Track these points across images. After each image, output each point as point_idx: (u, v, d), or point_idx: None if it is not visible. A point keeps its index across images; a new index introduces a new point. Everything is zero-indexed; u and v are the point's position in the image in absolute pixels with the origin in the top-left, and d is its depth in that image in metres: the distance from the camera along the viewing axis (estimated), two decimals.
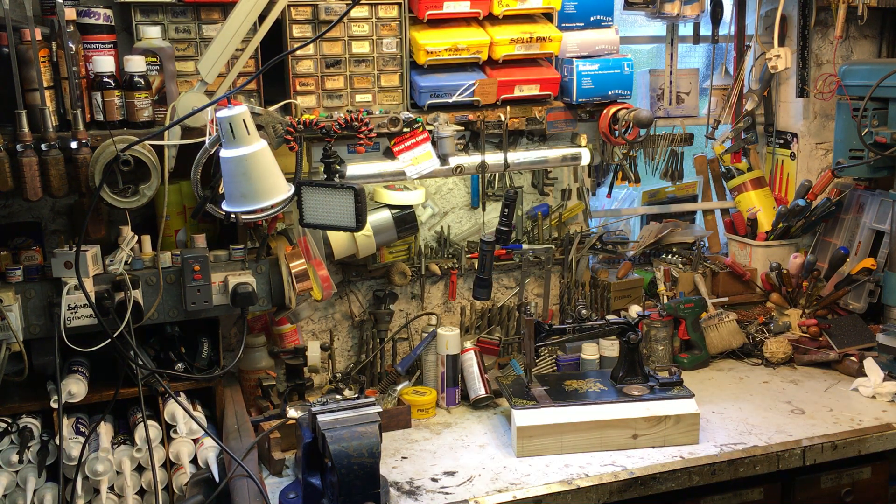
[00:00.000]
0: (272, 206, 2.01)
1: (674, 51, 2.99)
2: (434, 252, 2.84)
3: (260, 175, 1.86)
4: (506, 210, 2.39)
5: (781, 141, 3.32)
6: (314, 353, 2.57)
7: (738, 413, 2.57)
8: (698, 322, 2.96)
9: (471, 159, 2.46)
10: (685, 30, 3.06)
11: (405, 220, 2.58)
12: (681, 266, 3.18)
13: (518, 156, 2.51)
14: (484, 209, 2.84)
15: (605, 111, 2.48)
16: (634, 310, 2.98)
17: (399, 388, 2.61)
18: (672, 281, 3.13)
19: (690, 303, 2.94)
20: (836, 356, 2.88)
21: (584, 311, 2.47)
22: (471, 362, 2.68)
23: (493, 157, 2.47)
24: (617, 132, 2.47)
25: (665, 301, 3.00)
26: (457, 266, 2.83)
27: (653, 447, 2.36)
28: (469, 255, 2.84)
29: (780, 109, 3.32)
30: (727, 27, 3.11)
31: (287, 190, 1.96)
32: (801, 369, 2.92)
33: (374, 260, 2.74)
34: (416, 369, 2.75)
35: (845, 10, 2.90)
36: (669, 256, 3.23)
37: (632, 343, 2.48)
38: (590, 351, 2.79)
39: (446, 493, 2.14)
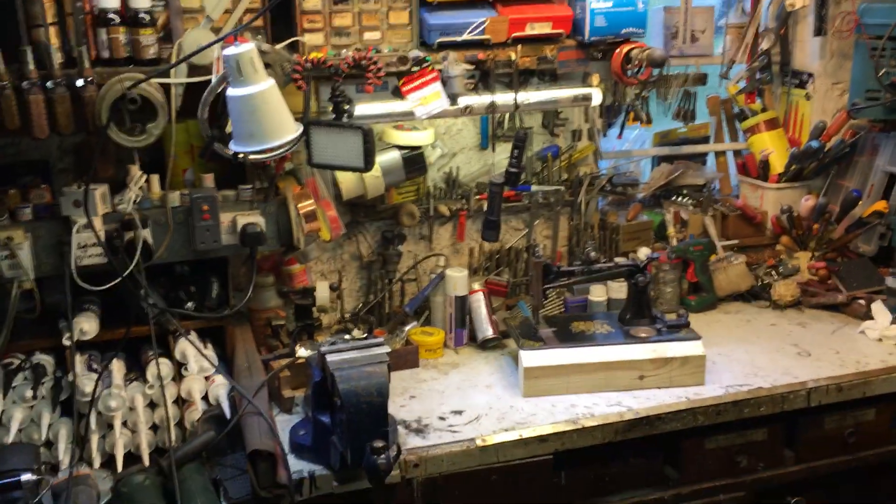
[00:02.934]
0: (280, 147, 1.99)
1: None
2: (443, 193, 2.83)
3: (268, 114, 1.85)
4: (516, 151, 2.37)
5: (797, 81, 3.26)
6: (323, 293, 2.58)
7: (744, 355, 2.58)
8: (707, 264, 2.95)
9: (480, 99, 2.42)
10: None
11: (414, 160, 2.56)
12: (691, 208, 3.16)
13: (528, 96, 2.48)
14: (494, 150, 2.81)
15: (618, 50, 2.43)
16: (644, 252, 2.97)
17: (407, 328, 2.62)
18: (682, 223, 3.11)
19: (699, 245, 2.93)
20: (844, 299, 2.88)
21: (592, 254, 2.46)
22: (479, 304, 2.69)
23: (503, 98, 2.43)
24: (630, 72, 2.42)
25: (674, 243, 2.99)
26: (466, 207, 2.82)
27: (659, 388, 2.38)
28: (478, 197, 2.82)
29: (797, 48, 3.24)
30: None
31: (295, 130, 1.94)
32: (809, 312, 2.92)
33: (383, 201, 2.72)
34: (425, 310, 2.76)
35: None
36: (680, 199, 3.21)
37: (640, 285, 2.48)
38: (598, 293, 2.79)
39: (454, 432, 2.17)
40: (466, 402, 2.33)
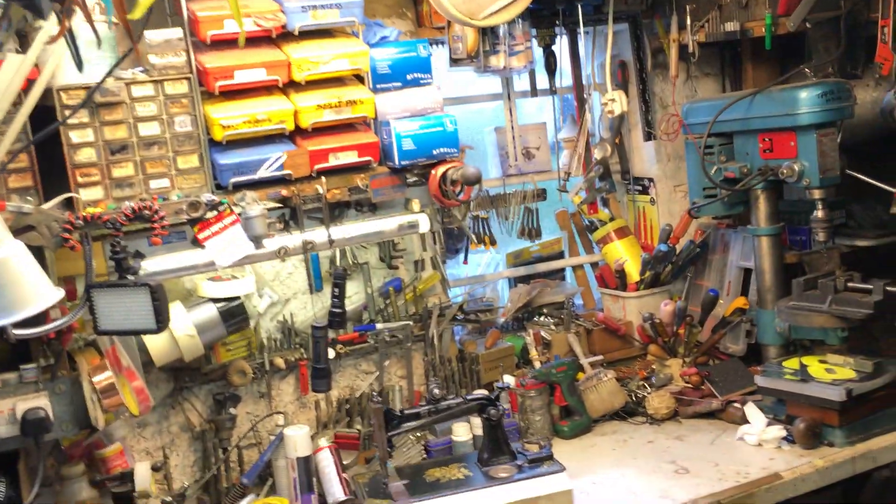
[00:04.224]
0: (48, 319, 1.74)
1: (512, 105, 2.87)
2: (279, 344, 2.59)
3: (10, 283, 1.60)
4: (336, 290, 2.18)
5: (640, 187, 3.23)
6: (142, 475, 2.24)
7: (620, 480, 2.36)
8: (574, 385, 2.76)
9: (294, 239, 2.24)
10: (523, 84, 2.96)
11: (233, 313, 2.33)
12: (553, 328, 3.00)
13: (348, 230, 2.31)
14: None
15: (433, 172, 2.31)
16: (508, 380, 2.77)
17: (244, 502, 2.31)
18: (544, 344, 2.94)
19: (563, 366, 2.75)
20: (719, 404, 2.72)
21: (436, 391, 2.24)
22: (326, 462, 2.40)
23: (321, 234, 2.25)
24: (448, 193, 2.29)
25: (537, 367, 2.80)
26: (306, 356, 2.57)
27: None
28: None
29: (634, 155, 3.24)
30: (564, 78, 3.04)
31: (55, 295, 1.69)
32: (687, 422, 2.74)
33: (209, 361, 2.46)
34: (269, 478, 2.46)
35: (677, 48, 2.85)
36: (542, 318, 3.06)
37: (493, 420, 2.26)
38: (461, 432, 2.54)
39: None
40: None
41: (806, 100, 2.44)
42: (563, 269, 3.32)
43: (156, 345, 2.25)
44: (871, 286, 2.41)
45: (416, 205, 2.34)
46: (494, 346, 2.89)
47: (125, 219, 1.91)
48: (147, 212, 1.92)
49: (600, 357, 2.94)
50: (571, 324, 3.00)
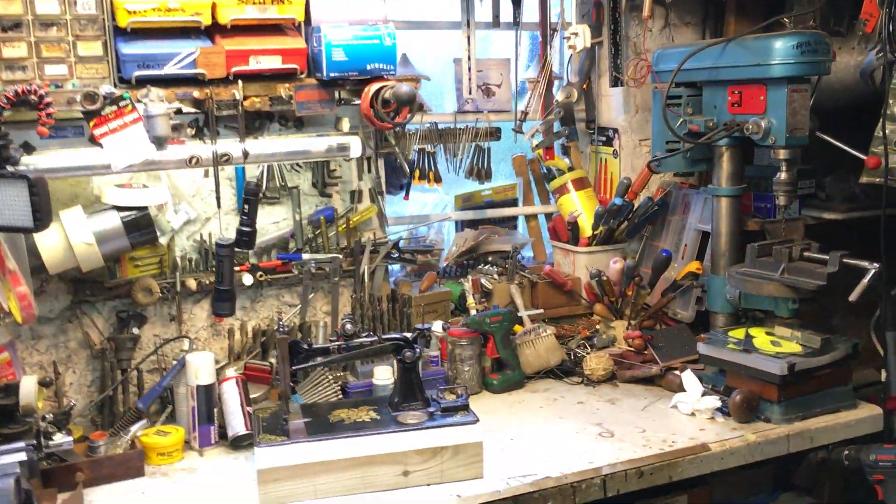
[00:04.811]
0: None
1: (470, 33, 2.67)
2: (195, 265, 2.41)
3: None
4: (246, 207, 2.00)
5: (604, 138, 3.05)
6: (28, 389, 2.08)
7: (541, 440, 2.22)
8: (509, 338, 2.61)
9: (208, 149, 2.05)
10: (486, 13, 2.75)
11: (138, 224, 2.15)
12: (496, 277, 2.84)
13: (268, 145, 2.12)
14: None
15: (366, 89, 2.12)
16: (439, 327, 2.62)
17: (134, 428, 2.15)
18: (483, 293, 2.78)
19: (498, 315, 2.59)
20: (658, 371, 2.58)
21: (349, 327, 2.08)
22: (231, 394, 2.25)
23: (237, 147, 2.07)
24: (381, 114, 2.10)
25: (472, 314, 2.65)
26: None
27: (428, 485, 1.98)
28: (238, 268, 2.42)
29: (602, 104, 3.04)
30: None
31: None
32: (623, 386, 2.60)
33: (113, 275, 2.29)
34: (170, 405, 2.31)
35: None
36: (486, 267, 2.89)
37: (407, 362, 2.10)
38: (382, 375, 2.39)
39: None
40: None
41: (780, 50, 2.25)
42: (515, 218, 3.15)
43: (48, 250, 2.07)
44: (826, 257, 2.24)
45: (345, 124, 2.16)
46: (430, 290, 2.73)
47: (6, 102, 1.72)
48: (32, 97, 1.73)
49: (540, 311, 2.78)
50: (516, 274, 2.84)
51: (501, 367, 2.62)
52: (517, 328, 2.70)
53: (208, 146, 2.04)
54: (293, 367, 2.05)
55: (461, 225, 3.03)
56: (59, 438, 1.99)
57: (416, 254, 2.72)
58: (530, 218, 3.12)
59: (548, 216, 3.10)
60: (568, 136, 2.94)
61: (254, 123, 2.10)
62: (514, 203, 3.10)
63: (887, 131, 2.38)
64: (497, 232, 2.99)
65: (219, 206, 2.11)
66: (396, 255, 2.65)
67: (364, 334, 2.11)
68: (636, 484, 2.06)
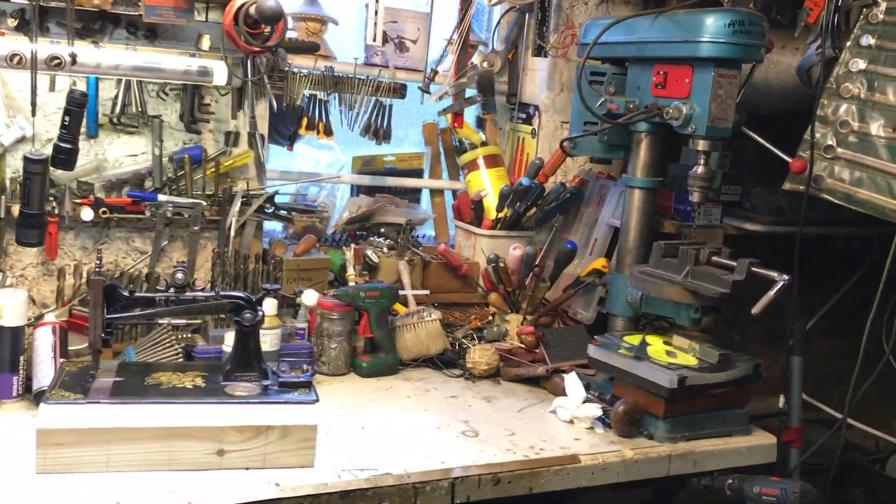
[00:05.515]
0: None
1: None
2: None
3: None
4: (67, 119, 1.69)
5: (524, 115, 2.80)
6: None
7: (395, 432, 1.95)
8: (386, 318, 2.34)
9: (33, 48, 1.73)
10: None
11: None
12: (385, 251, 2.57)
13: (107, 55, 1.81)
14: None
15: (230, 3, 1.82)
16: (309, 296, 2.34)
17: None
18: (368, 267, 2.51)
19: (375, 290, 2.31)
20: (544, 371, 2.33)
21: (179, 276, 1.78)
22: (43, 341, 1.94)
23: (67, 49, 1.75)
24: (245, 36, 1.81)
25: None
26: (59, 212, 2.08)
27: (247, 468, 1.69)
28: (80, 201, 2.11)
29: (526, 78, 2.79)
30: None
31: None
32: (506, 385, 2.35)
33: None
34: None
35: None
36: (377, 239, 2.62)
37: (245, 325, 1.82)
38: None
39: None
40: None
41: (710, 27, 2.01)
42: (419, 192, 2.88)
43: None
44: (734, 263, 2.02)
45: (205, 41, 1.86)
46: (307, 255, 2.45)
47: None
48: None
49: (426, 292, 2.52)
50: (407, 250, 2.57)
51: (374, 349, 2.35)
52: (399, 308, 2.44)
53: (37, 45, 1.73)
54: (108, 317, 1.75)
55: (356, 190, 2.75)
56: None
57: (294, 212, 2.43)
58: (436, 193, 2.85)
59: (455, 193, 2.84)
60: (485, 108, 2.68)
61: (93, 25, 1.79)
62: (419, 174, 2.83)
63: (818, 135, 2.17)
64: (395, 203, 2.72)
65: (33, 113, 1.79)
66: (271, 209, 2.36)
67: (199, 288, 1.82)
68: (491, 492, 1.81)
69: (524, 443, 1.96)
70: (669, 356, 2.10)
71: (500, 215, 2.62)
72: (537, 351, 2.44)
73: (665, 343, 2.19)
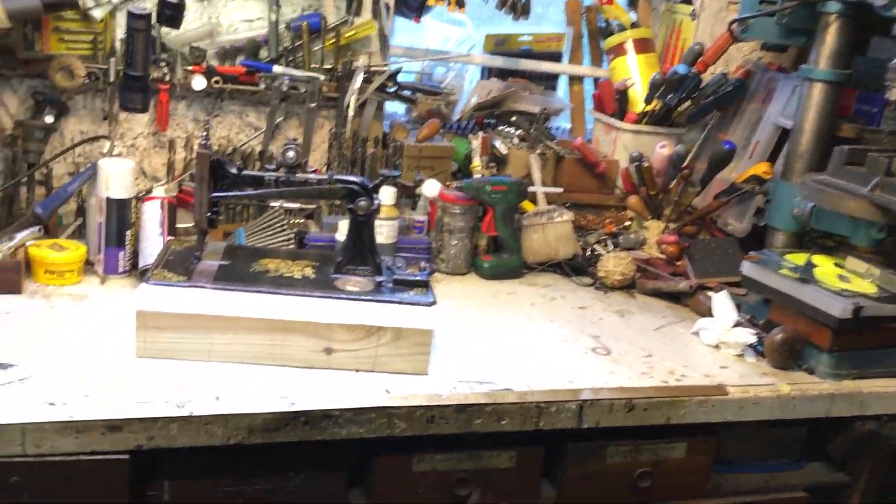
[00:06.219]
0: None
1: None
2: None
3: None
4: None
5: None
6: None
7: (516, 341, 1.76)
8: (512, 216, 2.12)
9: None
10: None
11: None
12: (515, 141, 2.32)
13: None
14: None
15: None
16: (430, 187, 2.13)
17: (20, 235, 1.75)
18: (496, 159, 2.28)
19: (502, 185, 2.09)
20: (687, 287, 2.07)
21: (290, 155, 1.60)
22: (151, 216, 1.83)
23: None
24: None
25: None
26: (170, 79, 1.94)
27: (356, 370, 1.54)
28: (191, 68, 1.95)
29: None
30: None
31: None
32: (642, 299, 2.11)
33: (31, 46, 1.84)
34: (82, 218, 1.90)
35: None
36: (506, 129, 2.37)
37: (360, 214, 1.64)
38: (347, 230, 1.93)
39: None
40: (41, 352, 1.46)
41: None
42: (556, 78, 2.59)
43: None
44: None
45: None
46: (429, 141, 2.23)
47: None
48: None
49: (560, 190, 2.27)
50: (540, 143, 2.32)
51: (498, 249, 2.14)
52: (527, 206, 2.21)
53: None
54: (214, 195, 1.60)
55: (487, 73, 2.49)
56: None
57: (419, 93, 2.21)
58: (575, 80, 2.56)
59: (596, 82, 2.53)
60: None
61: None
62: (557, 58, 2.54)
63: None
64: (529, 89, 2.45)
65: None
66: (394, 88, 2.15)
67: (311, 169, 1.64)
68: (623, 419, 1.60)
69: (662, 366, 1.73)
70: (842, 281, 1.80)
71: (648, 108, 2.31)
72: (679, 263, 2.18)
73: (836, 265, 1.88)
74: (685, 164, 2.18)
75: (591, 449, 1.65)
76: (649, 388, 1.64)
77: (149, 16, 1.57)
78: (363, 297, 1.58)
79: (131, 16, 1.57)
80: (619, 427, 1.61)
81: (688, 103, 2.32)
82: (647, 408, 1.61)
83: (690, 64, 2.23)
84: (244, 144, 2.06)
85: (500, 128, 2.39)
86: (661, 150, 2.21)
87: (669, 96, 2.26)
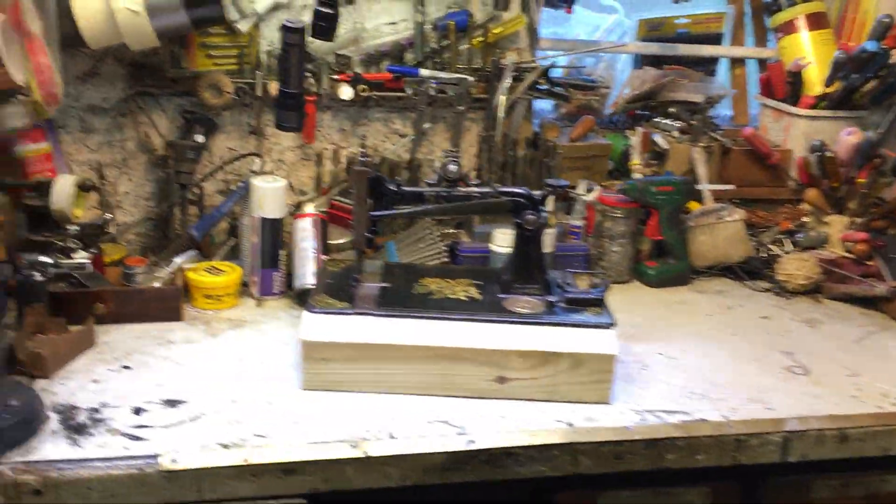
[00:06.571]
0: None
1: None
2: None
3: None
4: None
5: None
6: (62, 190, 1.67)
7: (700, 361, 1.60)
8: (678, 216, 1.95)
9: None
10: None
11: None
12: (676, 134, 2.14)
13: None
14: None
15: None
16: (585, 188, 1.99)
17: (179, 259, 1.72)
18: (655, 154, 2.10)
19: (668, 185, 1.92)
20: (885, 291, 1.84)
21: (452, 168, 1.49)
22: (305, 234, 1.76)
23: None
24: None
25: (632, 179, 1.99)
26: (317, 91, 1.87)
27: (530, 400, 1.42)
28: (337, 77, 1.87)
29: None
30: None
31: None
32: (830, 305, 1.90)
33: (179, 63, 1.80)
34: (235, 238, 1.86)
35: None
36: (665, 121, 2.19)
37: (527, 228, 1.51)
38: (504, 240, 1.81)
39: (133, 438, 1.26)
40: (207, 386, 1.41)
41: None
42: (715, 62, 2.38)
43: (84, 11, 1.59)
44: None
45: None
46: (584, 140, 2.08)
47: None
48: None
49: (731, 187, 2.08)
50: (704, 135, 2.13)
51: (662, 254, 1.98)
52: (693, 205, 2.03)
53: None
54: (373, 214, 1.51)
55: (641, 61, 2.31)
56: (79, 257, 1.58)
57: (571, 88, 2.06)
58: (736, 64, 2.35)
59: (761, 64, 2.31)
60: None
61: None
62: (717, 40, 2.33)
63: None
64: (688, 76, 2.25)
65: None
66: (546, 86, 2.01)
67: (474, 182, 1.52)
68: (833, 451, 1.42)
69: (872, 388, 1.53)
70: None
71: (828, 90, 2.08)
72: (871, 263, 1.96)
73: None
74: (877, 152, 1.94)
75: (796, 484, 1.47)
76: (863, 415, 1.44)
77: (304, 29, 1.49)
78: (536, 321, 1.45)
79: (286, 29, 1.49)
80: (823, 461, 1.43)
81: (872, 83, 2.07)
82: (863, 438, 1.42)
83: (879, 39, 1.98)
84: (393, 153, 1.97)
85: (656, 120, 2.21)
86: (847, 137, 1.98)
87: (854, 77, 2.02)
